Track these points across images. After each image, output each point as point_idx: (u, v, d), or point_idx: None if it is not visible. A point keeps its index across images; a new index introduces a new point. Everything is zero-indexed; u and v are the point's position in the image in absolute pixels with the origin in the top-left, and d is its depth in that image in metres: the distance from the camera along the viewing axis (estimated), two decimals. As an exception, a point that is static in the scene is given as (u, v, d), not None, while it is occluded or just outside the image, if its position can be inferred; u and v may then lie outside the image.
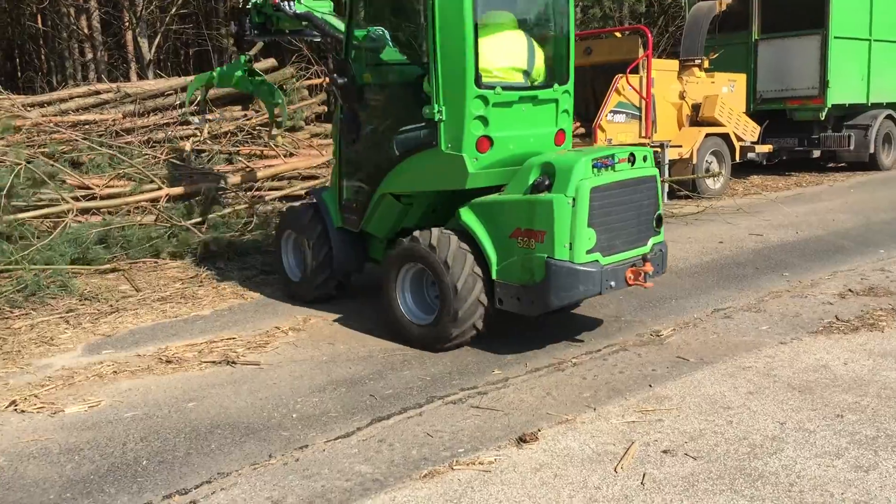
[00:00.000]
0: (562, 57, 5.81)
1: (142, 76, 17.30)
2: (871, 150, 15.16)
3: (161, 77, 14.44)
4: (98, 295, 6.99)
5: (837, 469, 3.80)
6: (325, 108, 13.13)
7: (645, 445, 4.10)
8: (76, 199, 8.56)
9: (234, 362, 5.49)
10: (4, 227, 7.73)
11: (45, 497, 3.74)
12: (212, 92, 11.31)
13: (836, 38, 14.32)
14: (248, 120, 11.29)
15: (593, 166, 5.15)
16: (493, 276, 5.32)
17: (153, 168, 9.51)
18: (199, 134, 10.58)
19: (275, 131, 10.60)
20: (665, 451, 4.03)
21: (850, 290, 6.93)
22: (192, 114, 9.98)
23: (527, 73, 5.62)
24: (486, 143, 5.35)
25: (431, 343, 5.53)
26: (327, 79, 13.93)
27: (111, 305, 6.80)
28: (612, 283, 5.26)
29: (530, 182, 5.22)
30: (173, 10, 18.52)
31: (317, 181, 10.35)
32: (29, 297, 6.78)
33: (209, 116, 10.07)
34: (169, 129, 10.58)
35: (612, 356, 5.45)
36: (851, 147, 14.96)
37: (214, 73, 8.46)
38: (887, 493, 3.55)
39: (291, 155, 11.02)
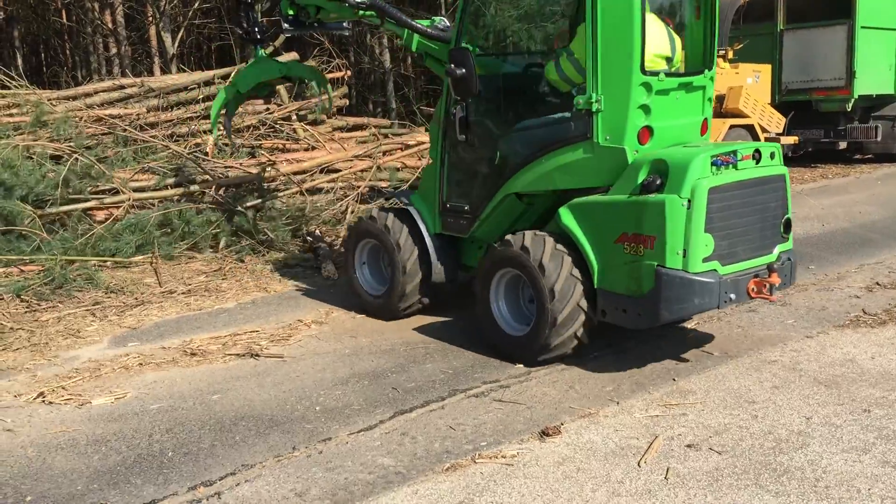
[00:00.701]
0: (708, 40, 5.34)
1: (165, 70, 17.39)
2: None
3: (184, 71, 14.51)
4: (123, 288, 7.06)
5: (864, 464, 3.76)
6: (347, 102, 13.16)
7: (669, 440, 4.08)
8: (133, 190, 8.77)
9: (257, 355, 5.52)
10: (67, 219, 8.07)
11: (73, 488, 3.79)
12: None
13: (862, 27, 14.10)
14: (270, 113, 11.33)
15: (712, 164, 4.65)
16: (596, 285, 4.87)
17: (175, 161, 9.58)
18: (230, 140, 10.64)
19: (323, 101, 9.22)
20: (689, 446, 4.01)
21: (877, 283, 6.85)
22: (224, 143, 8.70)
23: (669, 60, 5.20)
24: (647, 133, 4.89)
25: (529, 354, 5.11)
26: (348, 72, 13.96)
27: (136, 298, 6.87)
28: (732, 296, 4.74)
29: (639, 181, 4.72)
30: (196, 4, 18.63)
31: (337, 174, 10.35)
32: (56, 289, 6.86)
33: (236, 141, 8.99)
34: (192, 123, 10.65)
35: (635, 350, 5.42)
36: (878, 138, 14.75)
37: (235, 81, 7.68)
38: (915, 489, 3.51)
39: (314, 149, 11.05)
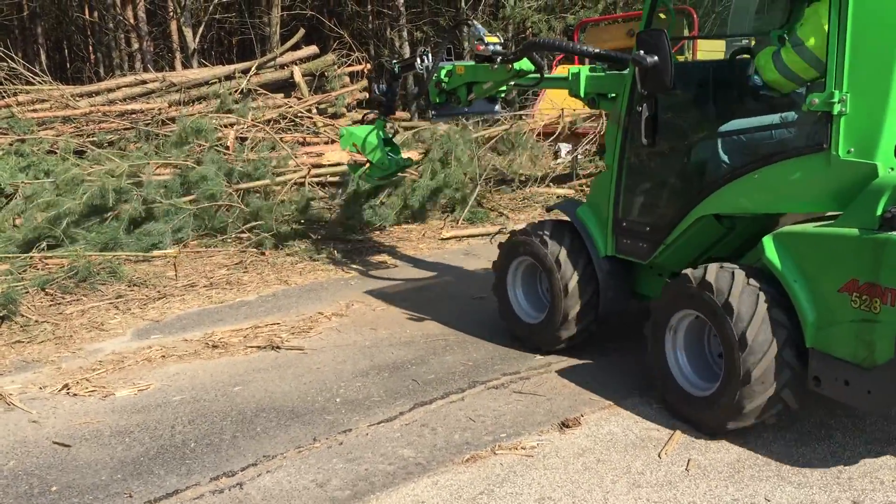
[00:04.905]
0: None
1: (186, 65, 17.52)
2: None
3: (205, 66, 14.63)
4: (146, 281, 7.12)
5: (888, 456, 3.72)
6: (367, 95, 13.17)
7: (690, 431, 4.06)
8: (309, 167, 9.59)
9: (278, 347, 5.56)
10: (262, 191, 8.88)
11: (97, 478, 3.84)
12: (254, 79, 11.48)
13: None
14: (290, 107, 11.37)
15: None
16: (808, 343, 3.69)
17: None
18: (240, 122, 10.70)
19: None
20: (710, 437, 3.98)
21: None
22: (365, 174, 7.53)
23: None
24: None
25: (702, 422, 4.07)
26: (368, 65, 13.96)
27: (159, 291, 6.93)
28: None
29: (879, 212, 3.45)
30: (216, -2, 18.77)
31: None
32: (80, 283, 6.93)
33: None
34: (213, 117, 10.71)
35: (656, 341, 5.38)
36: None
37: (343, 132, 7.22)
38: (940, 481, 3.47)
39: (333, 142, 11.07)
